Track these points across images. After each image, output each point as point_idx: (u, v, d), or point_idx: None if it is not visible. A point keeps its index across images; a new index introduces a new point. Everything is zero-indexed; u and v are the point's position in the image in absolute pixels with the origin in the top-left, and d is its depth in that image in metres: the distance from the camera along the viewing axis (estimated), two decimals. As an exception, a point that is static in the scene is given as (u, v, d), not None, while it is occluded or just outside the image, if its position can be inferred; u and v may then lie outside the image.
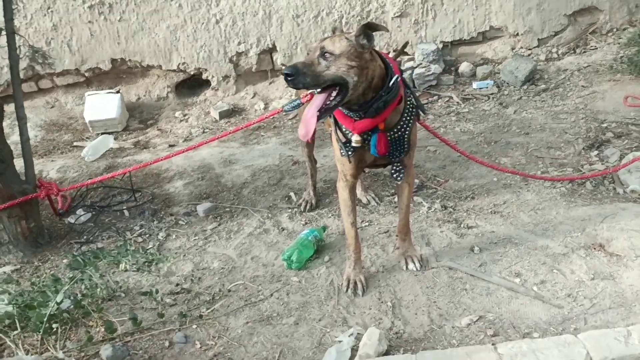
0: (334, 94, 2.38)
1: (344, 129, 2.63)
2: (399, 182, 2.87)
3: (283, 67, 3.19)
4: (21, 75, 5.37)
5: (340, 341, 2.49)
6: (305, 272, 3.02)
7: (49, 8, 5.22)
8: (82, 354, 2.50)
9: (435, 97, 5.01)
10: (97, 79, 5.50)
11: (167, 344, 2.59)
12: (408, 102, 2.65)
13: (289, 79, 2.32)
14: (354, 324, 2.62)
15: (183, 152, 3.71)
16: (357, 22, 5.33)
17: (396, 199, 3.62)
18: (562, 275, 2.80)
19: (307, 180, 3.70)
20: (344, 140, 2.66)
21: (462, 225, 3.28)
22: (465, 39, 5.42)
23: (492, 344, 2.28)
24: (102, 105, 5.13)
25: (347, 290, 2.86)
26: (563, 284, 2.75)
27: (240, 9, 5.25)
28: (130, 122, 5.29)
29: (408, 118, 2.63)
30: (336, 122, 2.67)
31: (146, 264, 3.20)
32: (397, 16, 5.33)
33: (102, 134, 4.99)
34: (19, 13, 5.09)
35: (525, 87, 4.96)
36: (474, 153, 4.09)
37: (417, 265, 2.95)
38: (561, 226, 3.18)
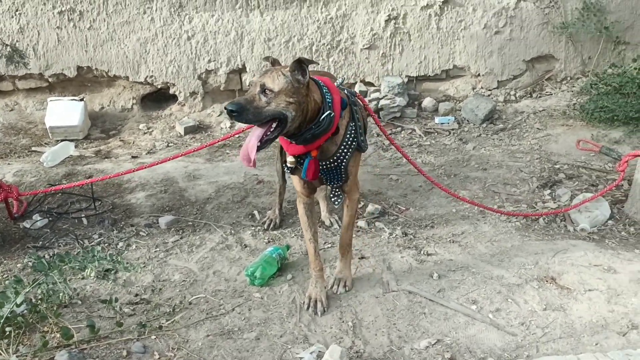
0: (274, 125, 2.54)
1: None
2: (336, 206, 3.03)
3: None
4: (-19, 76, 5.26)
5: (301, 358, 2.51)
6: (267, 289, 3.03)
7: (17, 10, 5.14)
8: (36, 359, 2.43)
9: (399, 129, 5.15)
10: (60, 85, 5.41)
11: (124, 353, 2.55)
12: (348, 135, 2.78)
13: (234, 115, 2.48)
14: (315, 341, 2.65)
15: (150, 166, 3.72)
16: (327, 51, 5.46)
17: (359, 223, 3.71)
18: (516, 305, 2.91)
19: (275, 199, 3.73)
20: (284, 159, 2.87)
21: (422, 252, 3.38)
22: (429, 75, 5.62)
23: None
24: (65, 111, 5.04)
25: (307, 308, 2.89)
26: (517, 312, 2.85)
27: (213, 28, 5.30)
28: (92, 131, 5.21)
29: (345, 150, 2.78)
30: None
31: (106, 272, 3.14)
32: (365, 48, 5.49)
33: (63, 140, 4.89)
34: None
35: (484, 125, 5.17)
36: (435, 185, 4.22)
37: (341, 289, 3.02)
38: (516, 258, 3.31)
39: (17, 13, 5.13)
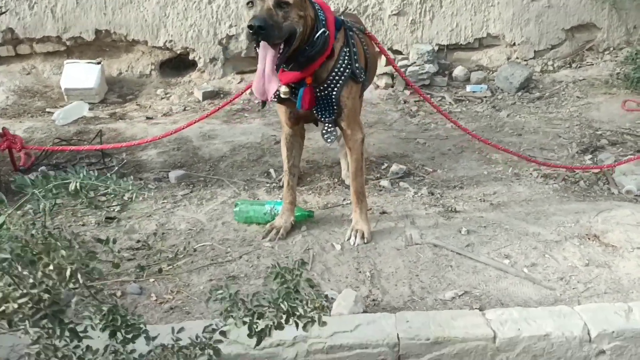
0: (281, 45, 2.30)
1: None
2: (329, 144, 2.81)
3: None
4: (0, 39, 5.17)
5: (311, 303, 2.26)
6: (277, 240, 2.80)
7: (36, -29, 5.03)
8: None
9: (428, 96, 4.87)
10: (78, 49, 5.28)
11: (119, 293, 2.35)
12: (341, 61, 2.54)
13: (262, 32, 2.20)
14: (329, 289, 2.40)
15: (167, 135, 3.57)
16: (359, 13, 5.21)
17: (381, 183, 3.46)
18: (554, 260, 2.62)
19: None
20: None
21: (449, 209, 3.11)
22: (461, 44, 5.33)
23: (480, 309, 2.08)
24: (81, 74, 4.90)
25: (263, 237, 2.77)
26: (555, 268, 2.57)
27: (235, -9, 5.11)
28: (109, 96, 5.06)
29: (337, 77, 2.53)
30: None
31: (107, 219, 2.97)
32: (394, 14, 5.23)
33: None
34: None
35: (519, 93, 4.86)
36: (465, 148, 3.96)
37: (358, 240, 2.75)
38: (554, 217, 3.01)
39: (37, -26, 5.02)
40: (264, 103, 2.62)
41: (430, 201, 3.23)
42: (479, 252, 2.69)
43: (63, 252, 1.34)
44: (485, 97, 4.84)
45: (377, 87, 5.00)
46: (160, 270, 2.50)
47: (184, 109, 4.75)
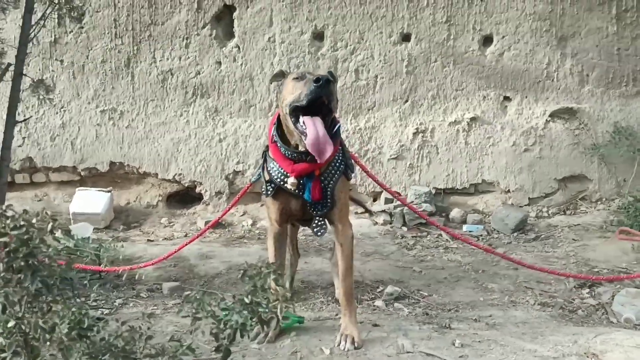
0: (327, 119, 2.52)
1: (275, 169, 2.68)
2: (319, 236, 2.83)
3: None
4: (18, 167, 5.47)
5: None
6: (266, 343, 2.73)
7: (62, 107, 5.48)
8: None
9: (425, 233, 4.98)
10: (92, 179, 5.55)
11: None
12: (337, 157, 2.70)
13: (328, 85, 2.42)
14: (314, 387, 2.30)
15: (162, 259, 3.66)
16: (360, 156, 5.52)
17: (375, 303, 3.43)
18: (551, 373, 2.52)
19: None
20: (267, 178, 2.73)
21: (443, 325, 3.05)
22: (457, 189, 5.55)
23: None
24: (90, 200, 5.11)
25: (252, 339, 2.69)
26: (553, 380, 2.46)
27: (245, 132, 5.49)
28: (114, 223, 5.21)
29: (333, 171, 2.67)
30: (265, 160, 2.75)
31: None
32: (392, 158, 5.54)
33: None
34: (33, 107, 5.34)
35: (515, 234, 4.95)
36: (461, 278, 3.97)
37: (348, 345, 2.66)
38: (551, 337, 2.93)
39: (62, 110, 5.46)
40: (272, 189, 2.71)
41: (424, 319, 3.18)
42: (473, 363, 2.59)
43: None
44: (482, 235, 4.93)
45: (376, 223, 5.14)
46: (140, 362, 2.41)
47: (185, 235, 4.86)
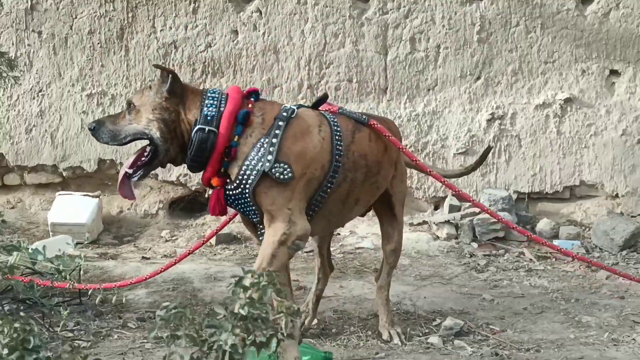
0: (147, 149, 2.89)
1: None
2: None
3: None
4: (-15, 166, 5.70)
5: None
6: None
7: (40, 91, 5.68)
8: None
9: (502, 251, 4.94)
10: (76, 181, 5.74)
11: None
12: (254, 154, 2.83)
13: (91, 131, 2.96)
14: None
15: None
16: (417, 150, 5.54)
17: (429, 339, 3.45)
18: None
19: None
20: None
21: (518, 368, 3.03)
22: (547, 193, 5.49)
23: None
24: (73, 207, 5.26)
25: None
26: None
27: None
28: (103, 236, 5.36)
29: (248, 173, 2.82)
30: None
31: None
32: (460, 153, 5.52)
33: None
34: (3, 90, 5.56)
35: (623, 253, 4.87)
36: (547, 308, 3.95)
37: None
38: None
39: (39, 94, 5.67)
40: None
41: (492, 360, 3.17)
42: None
43: None
44: (579, 254, 4.86)
45: (437, 237, 5.13)
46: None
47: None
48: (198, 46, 5.63)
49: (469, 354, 3.28)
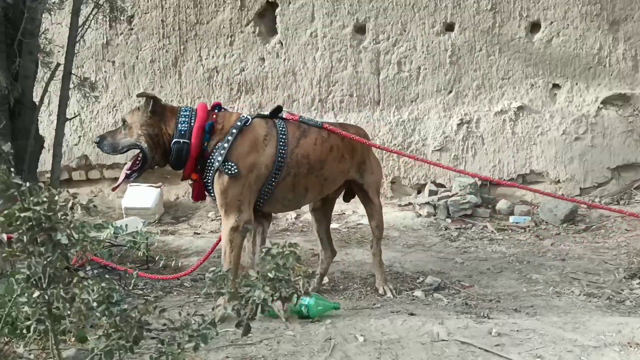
0: (139, 157, 2.95)
1: None
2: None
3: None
4: (74, 164, 5.74)
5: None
6: (301, 328, 2.78)
7: (114, 107, 5.71)
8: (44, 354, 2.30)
9: (470, 225, 4.92)
10: (142, 175, 5.74)
11: (136, 362, 2.36)
12: (214, 156, 2.88)
13: (96, 143, 3.03)
14: (345, 373, 2.33)
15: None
16: (404, 148, 5.52)
17: (414, 293, 3.44)
18: (591, 363, 2.46)
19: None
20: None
21: (482, 315, 3.01)
22: (504, 180, 5.45)
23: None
24: (141, 195, 5.30)
25: None
26: (592, 370, 2.40)
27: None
28: (164, 217, 5.39)
29: (209, 169, 2.90)
30: None
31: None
32: (437, 150, 5.49)
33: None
34: (87, 106, 5.58)
35: (564, 225, 4.83)
36: (505, 269, 3.92)
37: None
38: (594, 327, 2.85)
39: (114, 109, 5.69)
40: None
41: (463, 309, 3.16)
42: (509, 352, 2.56)
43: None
44: (529, 226, 4.83)
45: (419, 215, 5.11)
46: (178, 345, 2.50)
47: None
48: (234, 70, 5.63)
49: (445, 303, 3.27)
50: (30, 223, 1.40)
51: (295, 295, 1.52)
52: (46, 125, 5.37)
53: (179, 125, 2.89)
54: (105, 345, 1.49)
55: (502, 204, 5.24)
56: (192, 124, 2.89)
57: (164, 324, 1.57)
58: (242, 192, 2.90)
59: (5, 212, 1.41)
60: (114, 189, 3.10)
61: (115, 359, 1.51)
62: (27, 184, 1.47)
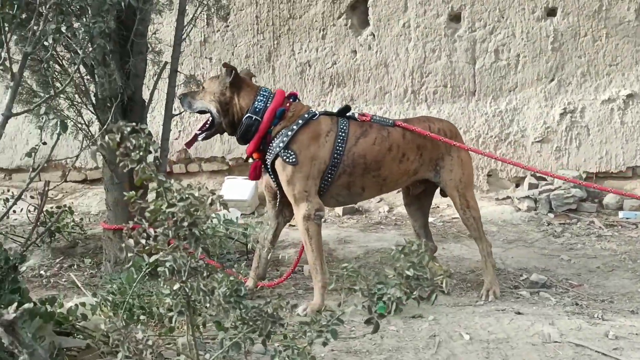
0: (209, 120, 3.08)
1: None
2: None
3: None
4: (175, 158, 5.97)
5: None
6: (403, 324, 2.73)
7: (212, 102, 5.87)
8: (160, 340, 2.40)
9: (575, 220, 4.67)
10: (238, 168, 5.90)
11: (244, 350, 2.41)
12: (277, 141, 2.93)
13: (179, 99, 3.21)
14: (454, 372, 2.26)
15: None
16: (495, 143, 5.32)
17: (519, 291, 3.29)
18: None
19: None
20: None
21: (595, 316, 2.84)
22: (612, 172, 5.13)
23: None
24: (238, 188, 5.43)
25: None
26: None
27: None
28: (259, 209, 5.49)
29: (271, 152, 2.95)
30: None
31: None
32: (537, 141, 5.25)
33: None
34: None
35: (680, 220, 4.47)
36: (616, 267, 3.69)
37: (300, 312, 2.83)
38: None
39: (211, 104, 5.85)
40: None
41: (573, 310, 2.99)
42: (630, 357, 2.39)
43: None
44: (641, 223, 4.52)
45: (519, 209, 4.91)
46: (285, 336, 2.53)
47: (324, 221, 4.99)
48: (326, 64, 5.63)
49: (553, 303, 3.11)
50: (174, 219, 1.45)
51: (435, 294, 1.47)
52: (149, 121, 5.60)
53: (256, 102, 2.99)
54: (233, 337, 1.52)
55: (609, 198, 4.93)
56: (268, 104, 2.98)
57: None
58: (308, 183, 2.96)
59: (152, 207, 1.46)
60: (186, 144, 3.20)
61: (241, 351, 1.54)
62: (172, 181, 1.52)
